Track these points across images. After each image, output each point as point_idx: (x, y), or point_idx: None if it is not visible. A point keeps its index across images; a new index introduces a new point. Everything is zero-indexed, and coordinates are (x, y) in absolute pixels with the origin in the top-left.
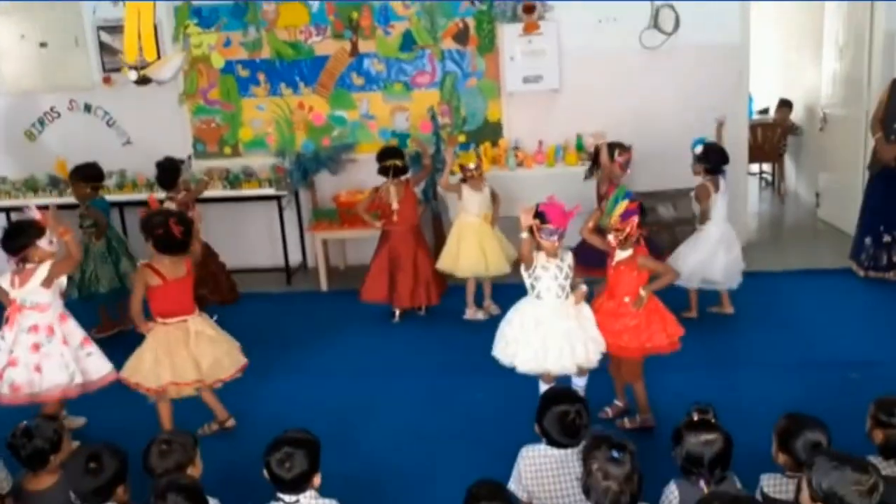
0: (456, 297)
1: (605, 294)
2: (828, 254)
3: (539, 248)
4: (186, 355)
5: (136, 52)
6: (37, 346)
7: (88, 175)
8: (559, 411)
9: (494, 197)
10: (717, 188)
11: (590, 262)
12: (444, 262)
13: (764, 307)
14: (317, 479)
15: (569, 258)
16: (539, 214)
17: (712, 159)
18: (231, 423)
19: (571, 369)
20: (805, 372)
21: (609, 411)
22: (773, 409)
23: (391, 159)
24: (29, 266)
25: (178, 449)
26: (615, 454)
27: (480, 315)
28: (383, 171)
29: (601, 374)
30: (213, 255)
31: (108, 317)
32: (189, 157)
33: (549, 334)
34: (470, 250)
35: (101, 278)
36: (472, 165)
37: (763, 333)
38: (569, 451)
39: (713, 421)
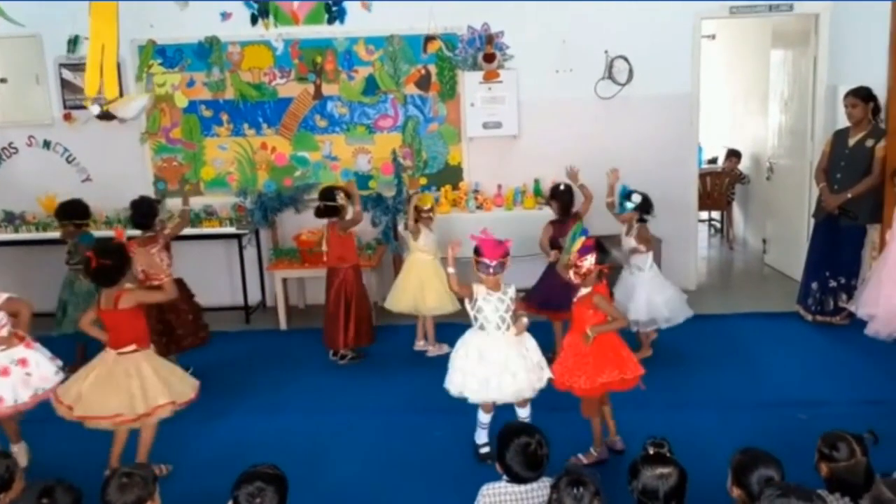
0: (406, 336)
1: (570, 330)
2: (775, 298)
3: (480, 280)
4: (127, 386)
5: (97, 86)
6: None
7: (73, 212)
8: (520, 443)
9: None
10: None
11: (546, 305)
12: (390, 298)
13: (714, 348)
14: None
15: (511, 291)
16: (475, 249)
17: (646, 207)
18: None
19: (512, 398)
20: (756, 411)
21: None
22: (726, 446)
23: (320, 199)
24: None
25: (138, 482)
26: (575, 490)
27: (430, 348)
28: (316, 211)
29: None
30: (188, 295)
31: (84, 355)
32: (163, 197)
33: (491, 364)
34: (409, 286)
35: None
36: (426, 207)
37: (715, 374)
38: (528, 486)
39: (668, 455)
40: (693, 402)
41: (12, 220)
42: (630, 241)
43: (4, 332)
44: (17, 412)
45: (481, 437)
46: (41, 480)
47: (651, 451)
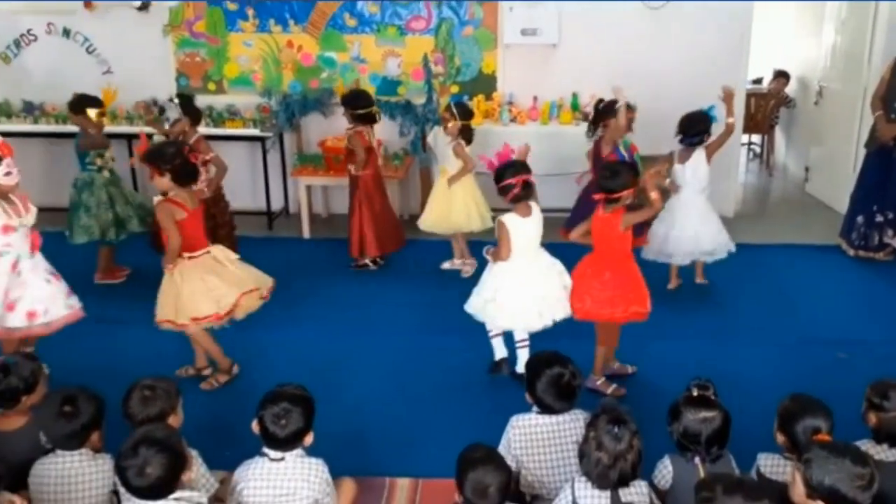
0: (435, 250)
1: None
2: (816, 230)
3: None
4: (233, 273)
5: None
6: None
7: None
8: (553, 374)
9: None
10: (684, 159)
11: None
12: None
13: (752, 279)
14: (308, 438)
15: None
16: None
17: (686, 129)
18: (207, 373)
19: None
20: (794, 347)
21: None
22: (761, 381)
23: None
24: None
25: (161, 395)
26: (614, 429)
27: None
28: (367, 117)
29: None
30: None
31: (112, 258)
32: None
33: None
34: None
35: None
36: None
37: (750, 307)
38: (559, 417)
39: (713, 398)
40: (729, 335)
41: (31, 110)
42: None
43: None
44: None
45: (499, 349)
46: (64, 387)
47: (695, 394)
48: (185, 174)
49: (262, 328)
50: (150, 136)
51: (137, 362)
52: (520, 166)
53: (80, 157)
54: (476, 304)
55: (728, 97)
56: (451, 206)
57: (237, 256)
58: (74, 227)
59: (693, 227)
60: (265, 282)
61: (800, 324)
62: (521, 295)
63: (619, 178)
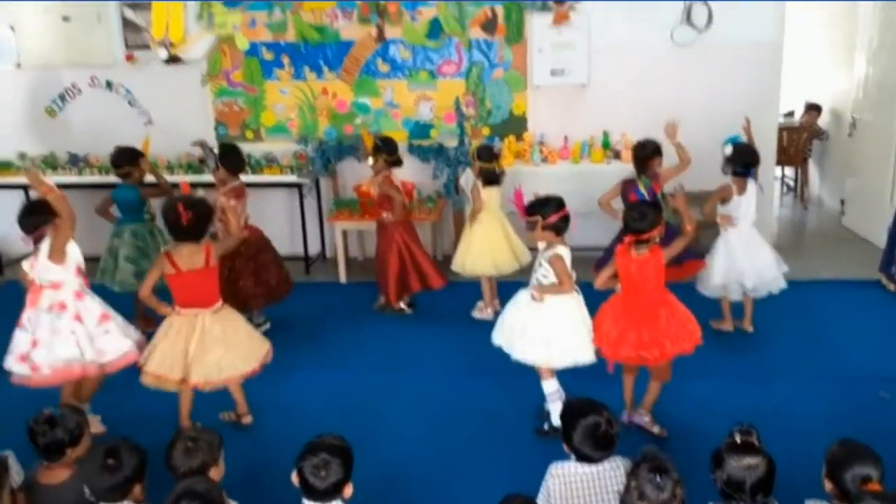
0: (469, 293)
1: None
2: (854, 263)
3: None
4: (179, 350)
5: (164, 27)
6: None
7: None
8: (589, 424)
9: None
10: (741, 190)
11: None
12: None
13: (789, 316)
14: (348, 490)
15: (549, 252)
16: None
17: (739, 160)
18: (247, 420)
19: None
20: (834, 386)
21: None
22: (801, 422)
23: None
24: (41, 245)
25: (203, 448)
26: (656, 478)
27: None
28: (398, 162)
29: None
30: (265, 248)
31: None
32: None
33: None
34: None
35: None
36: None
37: (789, 344)
38: (599, 466)
39: (756, 443)
40: (768, 374)
41: (76, 162)
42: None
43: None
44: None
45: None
46: (108, 439)
47: (738, 440)
48: (175, 231)
49: (299, 371)
50: (193, 185)
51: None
52: (560, 201)
53: (133, 207)
54: (537, 352)
55: (670, 132)
56: (483, 248)
57: (223, 331)
58: (121, 276)
59: (756, 258)
60: (209, 374)
61: (840, 361)
62: (572, 329)
63: (647, 218)
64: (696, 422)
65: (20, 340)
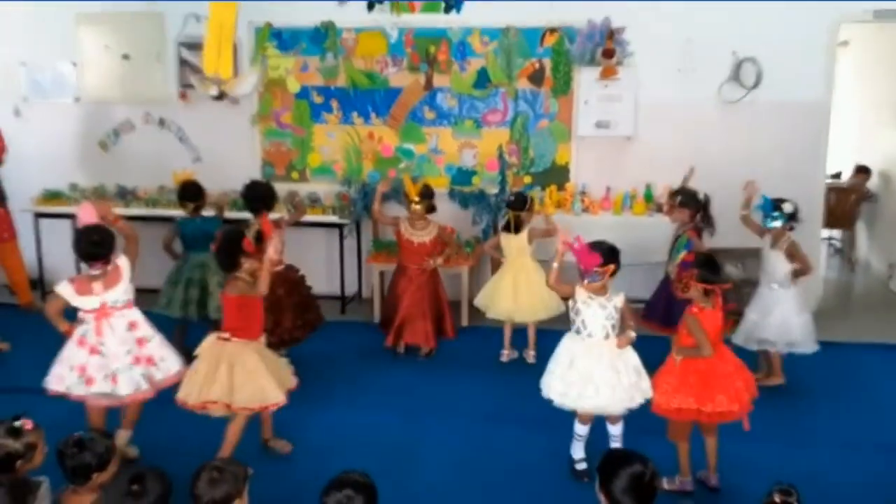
0: (495, 337)
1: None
2: None
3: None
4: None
5: (215, 65)
6: (142, 341)
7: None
8: (632, 474)
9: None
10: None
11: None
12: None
13: (833, 379)
14: None
15: (617, 299)
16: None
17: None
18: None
19: (594, 411)
20: (879, 454)
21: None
22: (845, 490)
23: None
24: (110, 268)
25: (228, 479)
26: None
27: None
28: (433, 208)
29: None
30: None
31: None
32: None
33: (577, 372)
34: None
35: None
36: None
37: (834, 408)
38: None
39: None
40: (809, 439)
41: (124, 194)
42: (778, 257)
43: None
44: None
45: (577, 450)
46: (134, 466)
47: (778, 500)
48: (222, 261)
49: (328, 411)
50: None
51: (211, 445)
52: (616, 249)
53: (210, 238)
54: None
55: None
56: (502, 294)
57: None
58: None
59: (786, 313)
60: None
61: (883, 428)
62: (596, 374)
63: (721, 270)
64: (738, 485)
65: (85, 359)
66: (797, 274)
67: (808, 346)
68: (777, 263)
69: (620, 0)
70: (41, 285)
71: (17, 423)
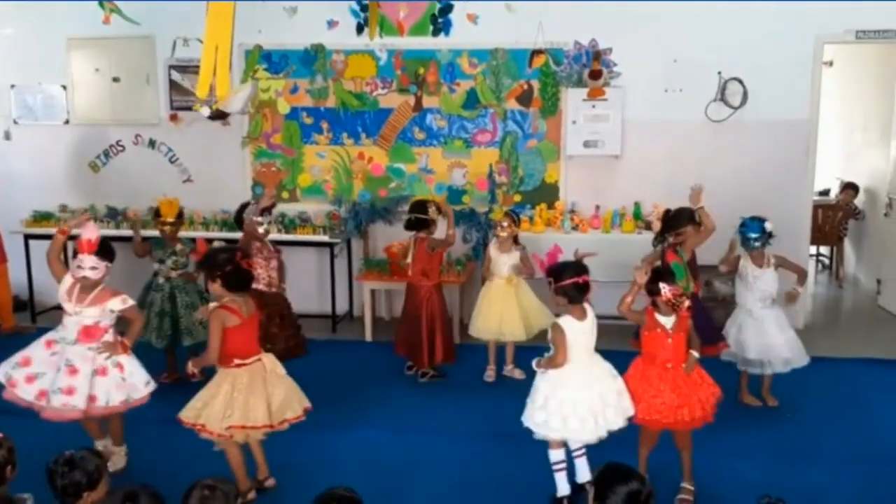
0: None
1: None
2: (890, 344)
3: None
4: (261, 397)
5: (209, 87)
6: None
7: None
8: (631, 490)
9: (524, 261)
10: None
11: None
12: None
13: (822, 395)
14: None
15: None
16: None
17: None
18: (270, 482)
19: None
20: (869, 468)
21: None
22: None
23: (411, 212)
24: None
25: (220, 497)
26: None
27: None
28: (406, 223)
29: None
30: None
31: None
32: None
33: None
34: (489, 313)
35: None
36: (503, 222)
37: (821, 423)
38: None
39: None
40: (800, 454)
41: (114, 216)
42: (773, 275)
43: (110, 337)
44: (111, 414)
45: (562, 484)
46: (126, 484)
47: None
48: (237, 281)
49: (321, 431)
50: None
51: (202, 463)
52: (579, 267)
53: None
54: (534, 417)
55: (695, 197)
56: (488, 312)
57: (283, 370)
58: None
59: (775, 333)
60: (286, 412)
61: (873, 442)
62: (577, 403)
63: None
64: (722, 496)
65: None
66: (800, 281)
67: (803, 360)
68: (771, 281)
69: (607, 22)
70: (31, 307)
71: None
